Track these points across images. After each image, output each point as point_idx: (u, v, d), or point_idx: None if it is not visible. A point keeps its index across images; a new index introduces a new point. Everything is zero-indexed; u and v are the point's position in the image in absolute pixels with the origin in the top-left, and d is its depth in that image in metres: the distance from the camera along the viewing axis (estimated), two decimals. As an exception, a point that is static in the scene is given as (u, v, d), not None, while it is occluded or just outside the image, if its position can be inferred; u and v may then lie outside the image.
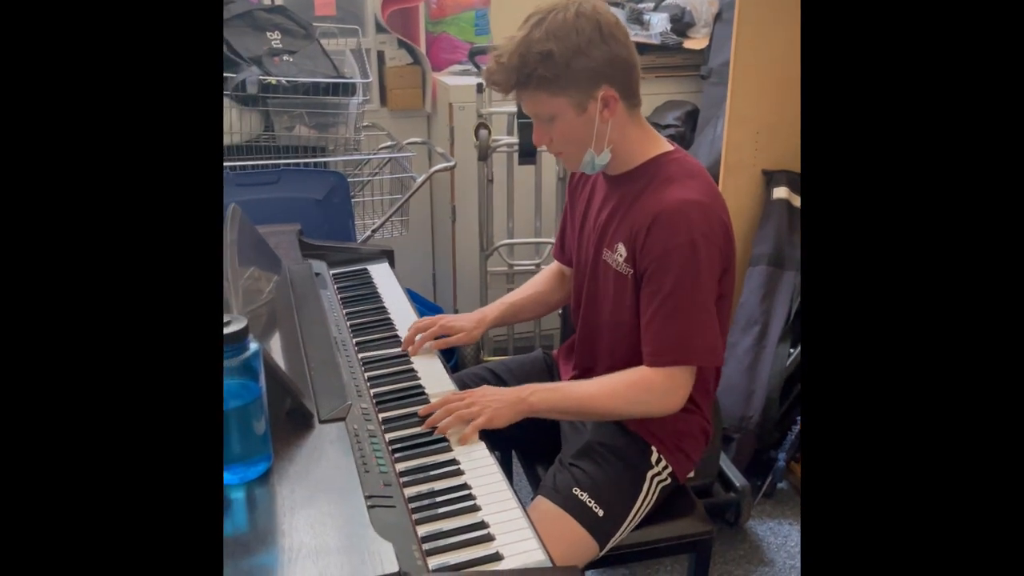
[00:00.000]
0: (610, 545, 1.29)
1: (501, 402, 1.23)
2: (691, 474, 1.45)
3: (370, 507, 0.94)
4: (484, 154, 2.34)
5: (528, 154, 2.21)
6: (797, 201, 2.26)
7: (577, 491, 1.27)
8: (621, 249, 1.31)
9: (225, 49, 2.07)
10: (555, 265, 1.62)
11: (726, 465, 2.05)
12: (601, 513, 1.27)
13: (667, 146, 1.33)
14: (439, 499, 1.04)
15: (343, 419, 1.12)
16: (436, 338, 1.46)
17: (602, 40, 1.21)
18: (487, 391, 1.26)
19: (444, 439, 1.17)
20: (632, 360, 1.30)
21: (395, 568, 0.84)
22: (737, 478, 2.01)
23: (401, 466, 1.10)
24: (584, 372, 1.45)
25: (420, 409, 1.22)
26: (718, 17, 2.52)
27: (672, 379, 1.26)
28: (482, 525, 1.00)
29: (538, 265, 2.59)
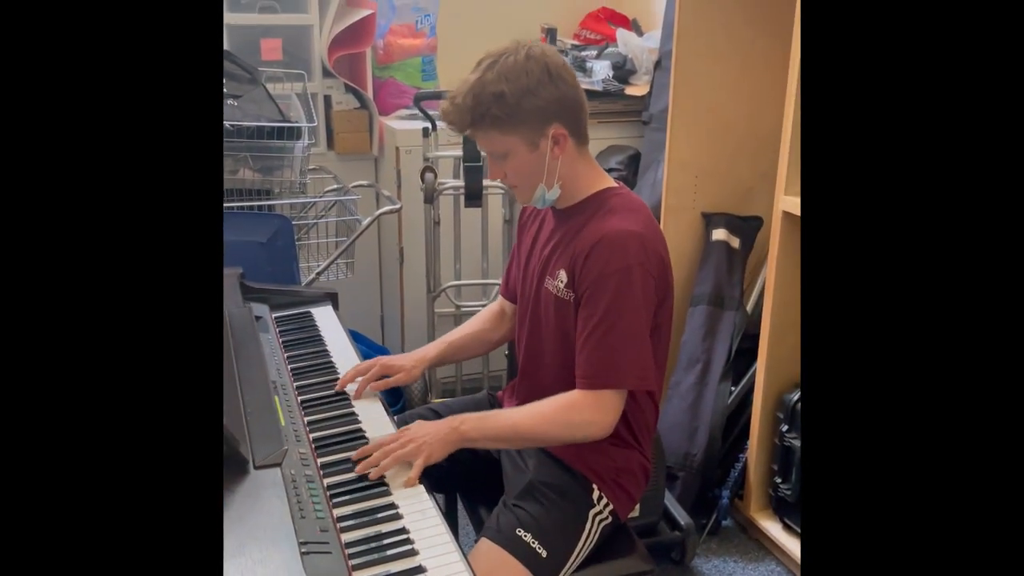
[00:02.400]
0: (552, 586, 1.28)
1: (435, 436, 1.24)
2: (635, 513, 1.46)
3: (304, 554, 0.93)
4: (430, 197, 2.36)
5: (474, 197, 2.23)
6: (735, 243, 2.32)
7: (520, 532, 1.28)
8: (562, 275, 1.34)
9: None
10: (496, 304, 1.65)
11: (671, 503, 2.07)
12: (544, 554, 1.27)
13: (612, 183, 1.40)
14: (376, 544, 1.04)
15: (279, 464, 1.11)
16: (379, 378, 1.47)
17: (550, 81, 1.27)
18: (419, 427, 1.27)
19: (383, 482, 1.17)
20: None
21: (327, 616, 0.83)
22: (682, 516, 2.03)
23: (339, 511, 1.09)
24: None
25: (354, 454, 1.22)
26: (658, 65, 2.60)
27: (601, 401, 1.28)
28: (420, 570, 1.00)
29: (485, 306, 2.60)
